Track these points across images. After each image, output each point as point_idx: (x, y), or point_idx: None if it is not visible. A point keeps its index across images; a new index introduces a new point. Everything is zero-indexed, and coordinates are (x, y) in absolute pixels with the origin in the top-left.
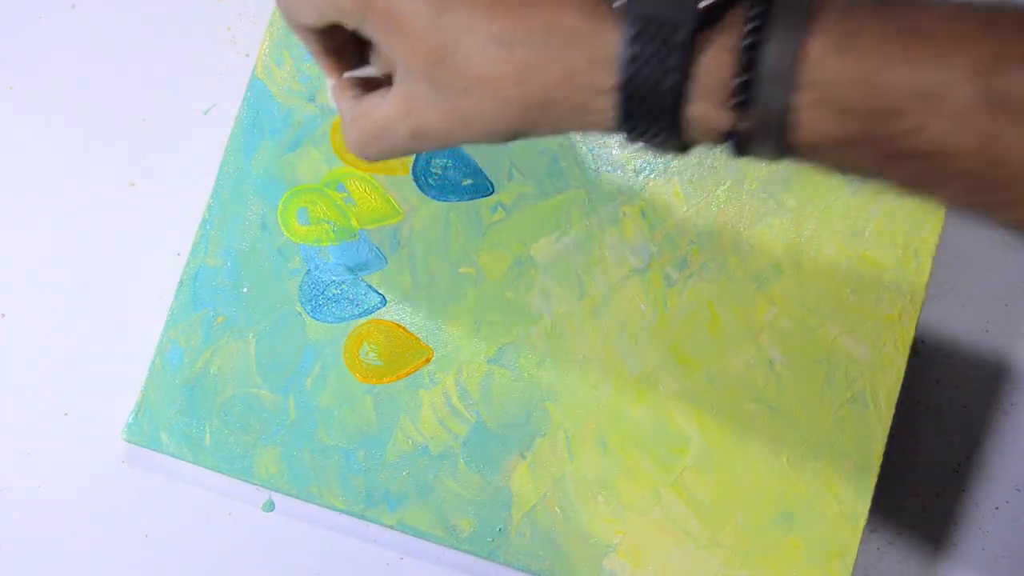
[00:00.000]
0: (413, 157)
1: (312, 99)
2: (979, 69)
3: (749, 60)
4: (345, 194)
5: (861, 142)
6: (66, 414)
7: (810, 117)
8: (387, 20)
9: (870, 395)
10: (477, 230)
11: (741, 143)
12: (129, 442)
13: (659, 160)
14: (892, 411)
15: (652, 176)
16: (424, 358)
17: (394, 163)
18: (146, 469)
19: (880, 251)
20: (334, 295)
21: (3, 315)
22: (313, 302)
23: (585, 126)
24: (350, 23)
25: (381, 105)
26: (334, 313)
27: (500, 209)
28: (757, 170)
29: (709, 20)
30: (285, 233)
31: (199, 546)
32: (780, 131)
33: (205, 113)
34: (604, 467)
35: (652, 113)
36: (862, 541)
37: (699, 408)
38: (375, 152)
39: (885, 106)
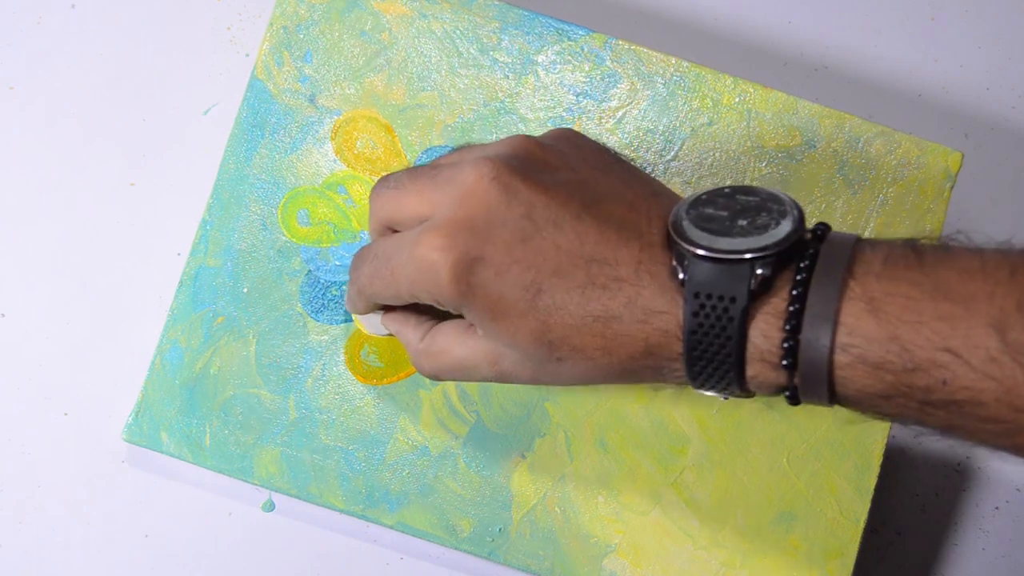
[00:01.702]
0: (413, 160)
1: (312, 100)
2: (999, 323)
3: (793, 326)
4: (346, 196)
5: (898, 394)
6: (66, 414)
7: (849, 375)
8: (487, 306)
9: None
10: None
11: (795, 396)
12: (129, 442)
13: (659, 160)
14: None
15: (652, 176)
16: None
17: (395, 165)
18: (146, 469)
19: None
20: (335, 296)
21: (3, 315)
22: (314, 303)
23: (662, 381)
24: (446, 307)
25: (459, 348)
26: (335, 315)
27: None
28: (757, 170)
29: (760, 291)
30: (286, 234)
31: (199, 546)
32: (825, 387)
33: (205, 113)
34: (604, 467)
35: (717, 374)
36: (862, 541)
37: (699, 408)
38: (452, 379)
39: (915, 362)
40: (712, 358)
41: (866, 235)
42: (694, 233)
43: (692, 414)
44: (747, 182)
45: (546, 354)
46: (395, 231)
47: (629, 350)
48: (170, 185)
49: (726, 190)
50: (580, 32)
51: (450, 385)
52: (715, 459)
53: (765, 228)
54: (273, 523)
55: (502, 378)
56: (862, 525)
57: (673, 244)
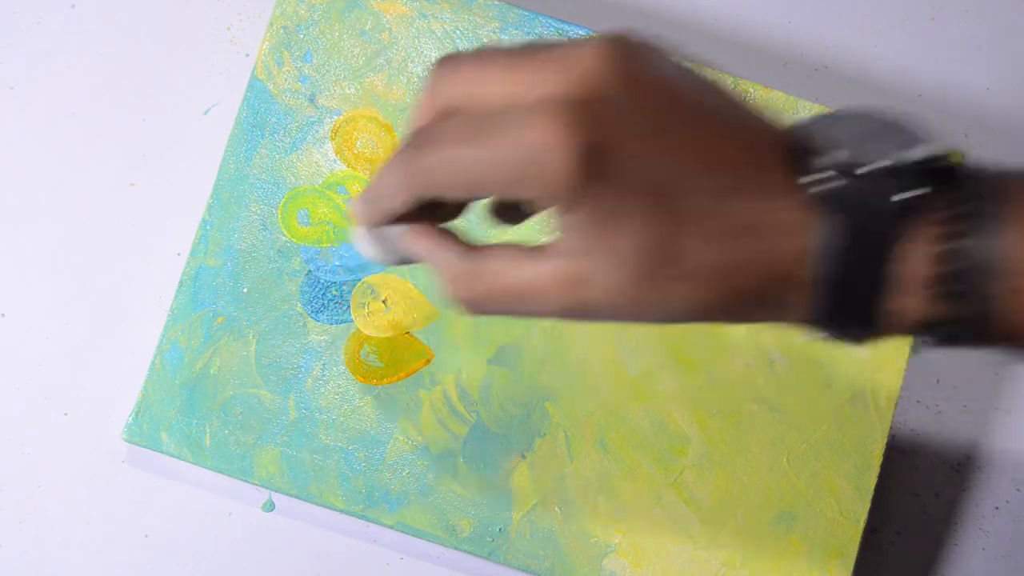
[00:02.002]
0: None
1: (312, 100)
2: None
3: (953, 250)
4: (346, 196)
5: None
6: (66, 414)
7: (1013, 306)
8: (613, 203)
9: (870, 395)
10: (478, 232)
11: (945, 335)
12: (129, 442)
13: None
14: (892, 411)
15: None
16: (424, 359)
17: None
18: (146, 469)
19: None
20: (335, 296)
21: (3, 315)
22: (314, 303)
23: (776, 319)
24: (546, 204)
25: (522, 270)
26: (335, 314)
27: None
28: None
29: (909, 212)
30: (286, 234)
31: (199, 546)
32: (986, 320)
33: (205, 113)
34: (604, 467)
35: (851, 306)
36: (862, 541)
37: (699, 408)
38: (499, 311)
39: None
40: (850, 286)
41: None
42: (832, 149)
43: (692, 414)
44: None
45: (660, 270)
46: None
47: (756, 272)
48: (170, 185)
49: (851, 112)
50: (580, 32)
51: (450, 385)
52: (715, 459)
53: (907, 146)
54: (273, 523)
55: (579, 308)
56: (862, 525)
57: (803, 160)
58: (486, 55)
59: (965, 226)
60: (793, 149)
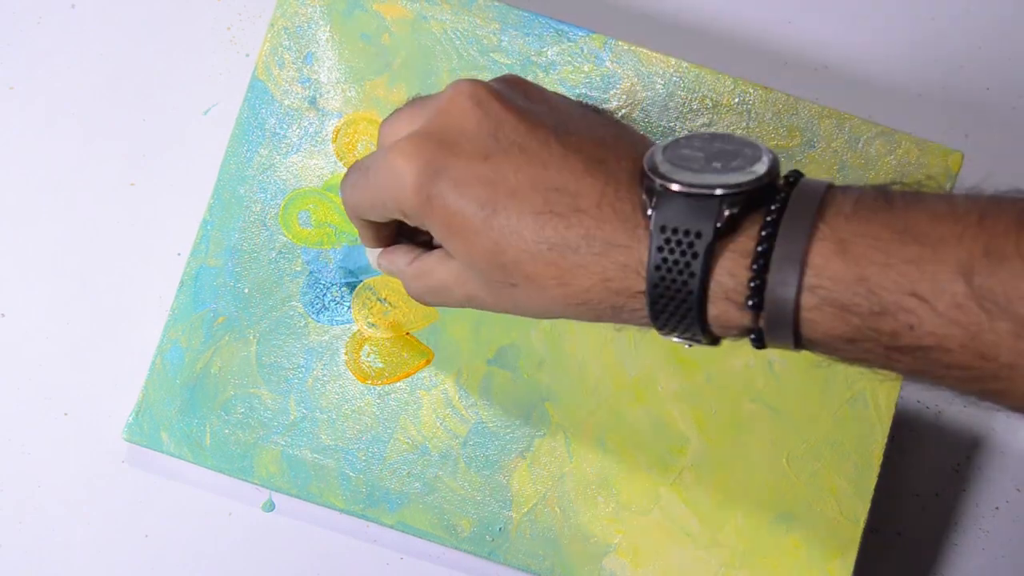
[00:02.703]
0: None
1: (313, 102)
2: (966, 267)
3: (760, 266)
4: None
5: (864, 338)
6: (66, 414)
7: (816, 317)
8: (444, 220)
9: (870, 395)
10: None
11: (760, 338)
12: (129, 442)
13: None
14: (892, 411)
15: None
16: (424, 360)
17: None
18: (146, 469)
19: None
20: (335, 297)
21: (3, 315)
22: (314, 304)
23: (622, 321)
24: (411, 221)
25: (439, 269)
26: (335, 315)
27: None
28: None
29: (727, 229)
30: (286, 235)
31: (199, 546)
32: (791, 329)
33: (205, 113)
34: (604, 467)
35: (679, 313)
36: (862, 541)
37: (698, 408)
38: (434, 303)
39: (882, 305)
40: (675, 295)
41: None
42: (668, 169)
43: (692, 414)
44: None
45: (501, 277)
46: None
47: (584, 282)
48: (170, 185)
49: (704, 135)
50: (580, 33)
51: (450, 385)
52: (715, 459)
53: (739, 170)
54: (273, 523)
55: (469, 301)
56: (862, 525)
57: (644, 179)
58: (405, 107)
59: (773, 243)
60: (635, 172)
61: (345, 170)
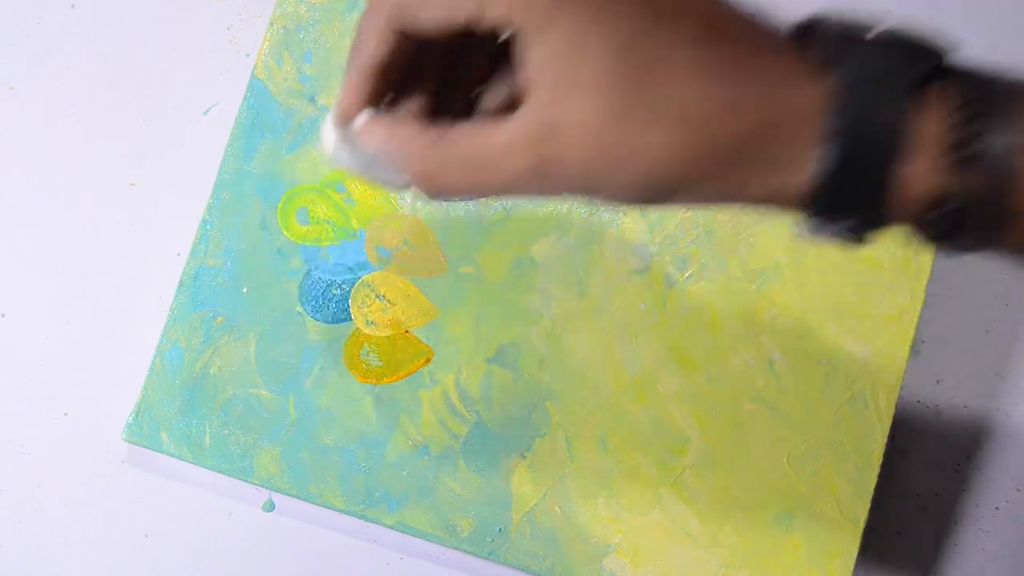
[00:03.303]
0: None
1: (312, 99)
2: None
3: (971, 116)
4: (345, 194)
5: None
6: (66, 414)
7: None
8: (578, 23)
9: (870, 395)
10: (477, 230)
11: (956, 214)
12: (129, 442)
13: None
14: (892, 411)
15: None
16: (424, 358)
17: None
18: (146, 469)
19: (880, 251)
20: (334, 295)
21: (3, 315)
22: (313, 302)
23: (766, 190)
24: (512, 25)
25: (495, 130)
26: (334, 313)
27: (500, 209)
28: None
29: (924, 80)
30: (285, 233)
31: (199, 546)
32: (1000, 197)
33: (205, 113)
34: (604, 467)
35: (860, 172)
36: (862, 541)
37: (699, 408)
38: (467, 184)
39: None
40: (859, 147)
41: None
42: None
43: (692, 414)
44: None
45: (636, 105)
46: None
47: (746, 119)
48: (170, 185)
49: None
50: None
51: (450, 385)
52: (715, 459)
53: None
54: (273, 523)
55: (543, 166)
56: (862, 525)
57: (820, 25)
58: None
59: (982, 101)
60: (809, 25)
61: None
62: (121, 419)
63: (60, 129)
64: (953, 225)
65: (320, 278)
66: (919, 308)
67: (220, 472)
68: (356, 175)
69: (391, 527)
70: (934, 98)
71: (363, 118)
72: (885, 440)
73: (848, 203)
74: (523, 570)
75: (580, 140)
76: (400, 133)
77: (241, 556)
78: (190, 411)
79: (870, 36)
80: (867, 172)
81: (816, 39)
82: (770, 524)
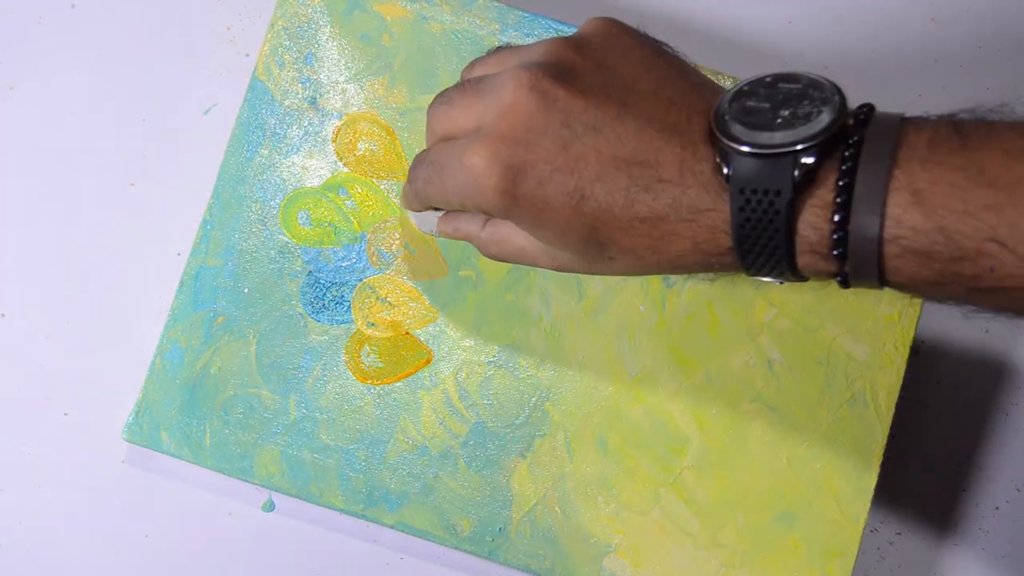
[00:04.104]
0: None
1: (313, 102)
2: None
3: (842, 218)
4: (347, 197)
5: (947, 281)
6: (66, 414)
7: (899, 264)
8: (532, 214)
9: (870, 395)
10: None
11: (845, 281)
12: (129, 442)
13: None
14: (892, 411)
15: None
16: (424, 359)
17: (396, 167)
18: (146, 469)
19: None
20: (335, 297)
21: (3, 315)
22: (314, 304)
23: (715, 271)
24: (494, 215)
25: (518, 238)
26: (335, 315)
27: None
28: None
29: (805, 181)
30: (287, 235)
31: (199, 546)
32: (875, 274)
33: (205, 113)
34: (604, 467)
35: (769, 263)
36: (862, 541)
37: (699, 408)
38: (517, 263)
39: (961, 252)
40: (762, 250)
41: None
42: (736, 129)
43: (692, 414)
44: None
45: (596, 254)
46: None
47: (677, 248)
48: (170, 185)
49: (767, 79)
50: None
51: (450, 385)
52: (715, 459)
53: (808, 118)
54: (273, 523)
55: (563, 270)
56: (862, 525)
57: (716, 141)
58: (452, 94)
59: (851, 196)
60: (708, 129)
61: (346, 170)
62: (121, 419)
63: (60, 129)
64: (848, 286)
65: (321, 280)
66: (919, 308)
67: (220, 472)
68: (431, 234)
69: (391, 527)
70: (812, 200)
71: (428, 216)
72: (885, 440)
73: (769, 276)
74: (523, 570)
75: (572, 264)
76: (465, 230)
77: (241, 556)
78: (190, 411)
79: (748, 150)
80: (772, 265)
81: (716, 144)
82: (770, 524)
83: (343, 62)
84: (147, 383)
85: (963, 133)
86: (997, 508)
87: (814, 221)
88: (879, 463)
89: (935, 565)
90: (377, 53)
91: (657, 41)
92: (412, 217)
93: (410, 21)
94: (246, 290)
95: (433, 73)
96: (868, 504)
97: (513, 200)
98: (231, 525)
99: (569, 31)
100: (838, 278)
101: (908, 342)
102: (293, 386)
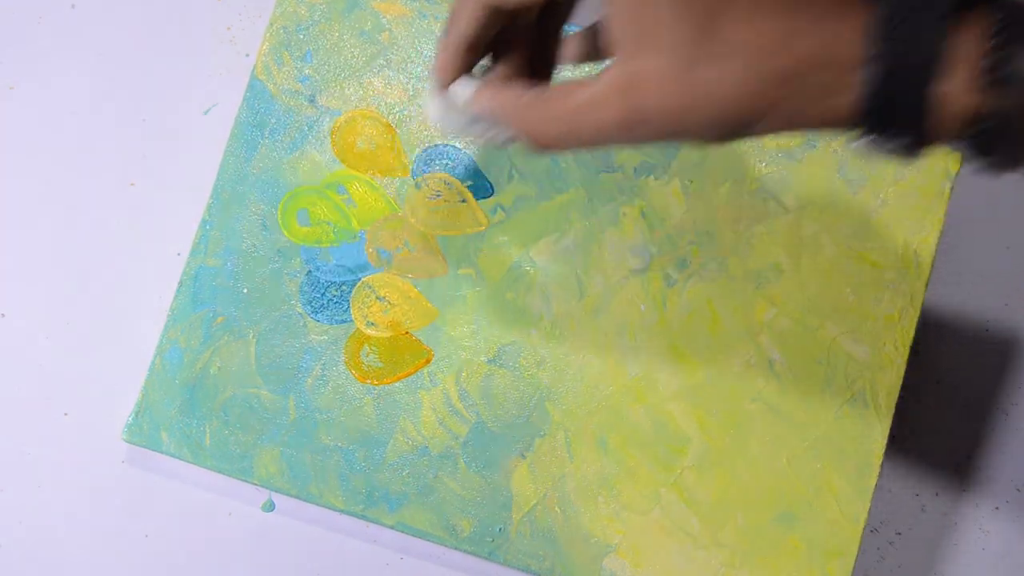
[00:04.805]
0: (413, 160)
1: (312, 100)
2: None
3: (1006, 38)
4: (345, 196)
5: None
6: (66, 414)
7: None
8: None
9: (870, 395)
10: (477, 231)
11: (990, 132)
12: (129, 442)
13: (659, 160)
14: (892, 411)
15: (652, 176)
16: (424, 359)
17: (395, 165)
18: (146, 469)
19: (880, 251)
20: (335, 296)
21: (3, 315)
22: (314, 303)
23: (824, 113)
24: None
25: (587, 86)
26: (335, 314)
27: (500, 210)
28: (757, 170)
29: (963, 5)
30: (285, 234)
31: (199, 546)
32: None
33: (205, 113)
34: (604, 467)
35: (902, 91)
36: (862, 541)
37: (699, 408)
38: (565, 136)
39: None
40: (901, 67)
41: (870, 226)
42: None
43: (692, 414)
44: (747, 182)
45: (704, 50)
46: None
47: (801, 49)
48: (170, 185)
49: None
50: None
51: (450, 385)
52: (715, 459)
53: None
54: (273, 523)
55: (632, 114)
56: (862, 525)
57: None
58: None
59: (1015, 26)
60: None
61: (344, 167)
62: (121, 419)
63: (60, 129)
64: (988, 143)
65: (320, 279)
66: (919, 308)
67: (220, 472)
68: (461, 135)
69: (391, 527)
70: (970, 23)
71: (462, 85)
72: (885, 440)
73: (892, 122)
74: (523, 570)
75: (658, 89)
76: (505, 97)
77: (241, 556)
78: (190, 411)
79: None
80: (907, 93)
81: None
82: (770, 524)
83: (342, 60)
84: (147, 383)
85: None
86: (997, 508)
87: (971, 40)
88: (879, 463)
89: (935, 565)
90: (376, 51)
91: None
92: (433, 107)
93: (409, 19)
94: (245, 290)
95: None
96: (868, 504)
97: None
98: (231, 525)
99: (568, 30)
100: (980, 127)
101: (908, 342)
102: (293, 386)
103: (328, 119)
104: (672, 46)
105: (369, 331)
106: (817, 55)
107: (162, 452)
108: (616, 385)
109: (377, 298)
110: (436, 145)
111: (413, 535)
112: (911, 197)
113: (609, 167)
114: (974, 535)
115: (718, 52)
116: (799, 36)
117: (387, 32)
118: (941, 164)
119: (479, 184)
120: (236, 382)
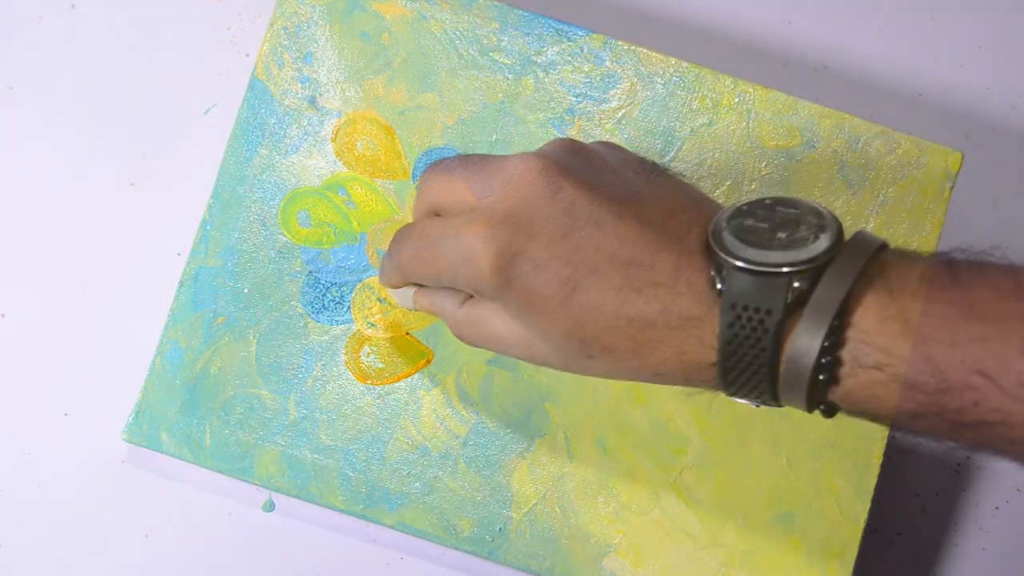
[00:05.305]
0: (413, 162)
1: (313, 101)
2: None
3: (831, 343)
4: (346, 197)
5: (929, 414)
6: (66, 414)
7: (883, 393)
8: (523, 299)
9: None
10: None
11: (830, 411)
12: (129, 442)
13: (659, 161)
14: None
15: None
16: (424, 359)
17: (395, 167)
18: (146, 469)
19: None
20: (335, 297)
21: (3, 315)
22: (314, 304)
23: (692, 386)
24: (484, 296)
25: (495, 322)
26: (335, 315)
27: None
28: (757, 170)
29: (796, 303)
30: (286, 235)
31: (199, 546)
32: (860, 405)
33: (205, 113)
34: (604, 467)
35: (750, 383)
36: (862, 541)
37: (699, 408)
38: (490, 349)
39: (947, 383)
40: (746, 368)
41: (869, 226)
42: (734, 244)
43: (692, 414)
44: (747, 182)
45: (577, 350)
46: (439, 216)
47: (660, 355)
48: (170, 185)
49: (767, 201)
50: (580, 33)
51: (450, 385)
52: (715, 459)
53: (804, 242)
54: (273, 523)
55: (535, 362)
56: (862, 525)
57: (712, 254)
58: (453, 165)
59: (839, 321)
60: (705, 242)
61: (345, 169)
62: (121, 419)
63: (60, 129)
64: (830, 414)
65: (321, 279)
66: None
67: (220, 472)
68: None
69: (391, 527)
70: (799, 324)
71: (413, 289)
72: (885, 440)
73: (747, 398)
74: (523, 570)
75: (550, 359)
76: (442, 304)
77: (241, 556)
78: (190, 411)
79: (744, 266)
80: (753, 386)
81: (711, 257)
82: (770, 524)
83: (342, 61)
84: (147, 383)
85: (955, 271)
86: (997, 508)
87: (800, 347)
88: (879, 463)
89: (935, 565)
90: (376, 52)
91: (654, 162)
92: (394, 292)
93: (410, 20)
94: (246, 290)
95: (433, 72)
96: (868, 504)
97: (507, 282)
98: (231, 525)
99: (569, 30)
100: (821, 406)
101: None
102: (293, 386)
103: (329, 120)
104: (550, 343)
105: (369, 332)
106: (674, 359)
107: (162, 452)
108: (616, 385)
109: (378, 299)
110: (437, 147)
111: (413, 535)
112: (911, 197)
113: None
114: (974, 535)
115: (589, 354)
116: (658, 344)
117: (387, 33)
118: (941, 164)
119: None
120: (236, 382)
